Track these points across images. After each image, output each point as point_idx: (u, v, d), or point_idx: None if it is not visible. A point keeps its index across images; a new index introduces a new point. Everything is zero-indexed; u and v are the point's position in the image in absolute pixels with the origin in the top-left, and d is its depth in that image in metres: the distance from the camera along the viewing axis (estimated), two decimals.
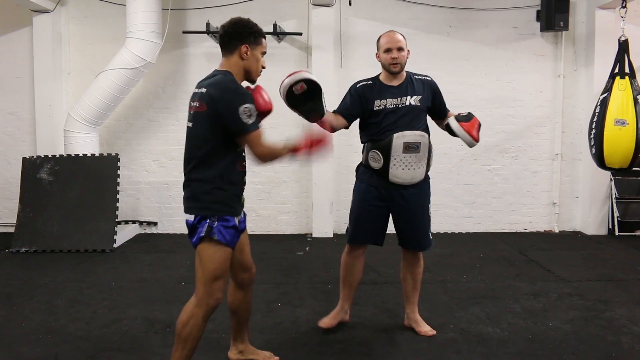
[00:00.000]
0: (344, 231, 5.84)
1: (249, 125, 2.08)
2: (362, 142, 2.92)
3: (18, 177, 5.30)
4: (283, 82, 2.47)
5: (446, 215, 5.91)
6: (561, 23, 5.45)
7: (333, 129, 2.79)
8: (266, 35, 2.30)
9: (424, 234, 2.92)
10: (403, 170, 2.76)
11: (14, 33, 5.79)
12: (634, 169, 4.36)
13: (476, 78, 5.83)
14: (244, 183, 2.28)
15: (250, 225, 6.32)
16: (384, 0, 5.75)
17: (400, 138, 2.72)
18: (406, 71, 2.88)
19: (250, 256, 2.47)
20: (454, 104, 5.79)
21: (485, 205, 5.93)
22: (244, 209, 2.37)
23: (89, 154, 5.23)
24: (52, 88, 5.66)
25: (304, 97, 2.48)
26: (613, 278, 4.07)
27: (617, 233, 5.60)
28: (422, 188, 2.88)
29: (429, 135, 2.86)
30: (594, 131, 4.29)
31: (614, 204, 5.65)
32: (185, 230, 2.24)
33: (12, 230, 5.20)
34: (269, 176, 5.85)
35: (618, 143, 4.11)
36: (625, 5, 4.36)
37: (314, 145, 2.17)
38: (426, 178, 2.92)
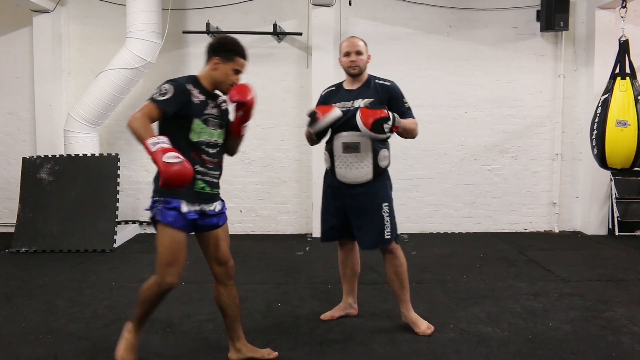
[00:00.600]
0: None
1: (150, 97, 2.27)
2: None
3: (18, 177, 5.30)
4: (323, 119, 2.76)
5: (446, 215, 5.91)
6: (561, 23, 5.45)
7: (315, 142, 3.00)
8: (246, 57, 2.45)
9: (377, 232, 2.87)
10: (346, 170, 2.84)
11: (14, 33, 5.80)
12: (635, 169, 4.37)
13: (476, 78, 5.83)
14: (199, 172, 2.33)
15: (250, 225, 6.35)
16: (384, 0, 5.75)
17: (339, 138, 2.84)
18: (370, 75, 2.97)
19: (226, 251, 2.52)
20: (454, 104, 5.85)
21: (485, 205, 5.93)
22: (223, 205, 2.53)
23: (89, 154, 5.23)
24: (52, 88, 5.66)
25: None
26: (613, 278, 4.07)
27: (617, 233, 5.60)
28: (373, 187, 2.87)
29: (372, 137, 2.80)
30: (595, 132, 4.29)
31: (614, 204, 5.65)
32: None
33: (12, 230, 5.20)
34: (269, 176, 5.85)
35: (620, 144, 4.12)
36: (625, 5, 4.36)
37: (156, 155, 2.09)
38: (381, 178, 2.89)
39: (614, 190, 5.67)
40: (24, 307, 3.42)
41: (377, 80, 2.94)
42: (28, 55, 5.73)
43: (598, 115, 4.29)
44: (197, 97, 2.35)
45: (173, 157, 2.05)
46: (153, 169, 2.23)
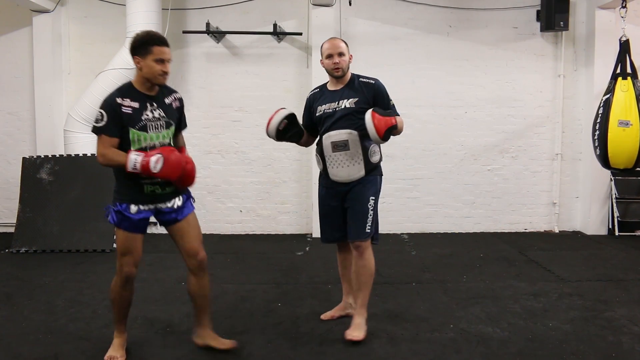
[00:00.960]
0: None
1: (92, 127, 2.44)
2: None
3: (18, 177, 5.30)
4: (268, 128, 2.87)
5: (446, 215, 5.91)
6: (561, 23, 5.45)
7: (308, 144, 3.11)
8: (162, 43, 2.43)
9: (357, 223, 2.86)
10: (338, 169, 2.85)
11: (14, 33, 5.80)
12: (638, 169, 4.36)
13: (476, 78, 5.83)
14: (144, 179, 2.44)
15: (250, 225, 6.35)
16: (384, 0, 5.75)
17: (327, 138, 2.86)
18: (353, 74, 2.96)
19: (193, 244, 2.62)
20: (454, 104, 5.85)
21: (485, 205, 5.93)
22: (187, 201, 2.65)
23: (89, 154, 5.23)
24: (52, 88, 5.66)
25: (287, 128, 2.90)
26: (613, 278, 4.07)
27: (617, 233, 5.60)
28: (363, 182, 2.87)
29: (362, 134, 2.81)
30: (597, 132, 4.28)
31: (614, 204, 5.65)
32: None
33: (12, 230, 5.20)
34: (269, 176, 5.85)
35: (623, 144, 4.12)
36: (625, 5, 4.36)
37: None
38: (373, 173, 2.91)
39: (614, 190, 5.67)
40: (24, 307, 3.42)
41: (360, 79, 2.94)
42: (28, 55, 5.73)
43: (600, 115, 4.28)
44: (129, 106, 2.39)
45: (154, 161, 2.29)
46: None
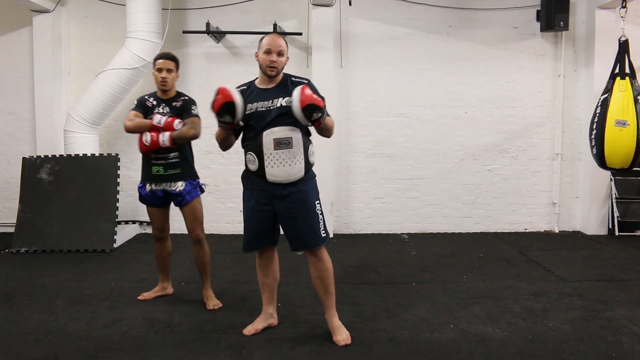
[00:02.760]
0: (344, 231, 5.87)
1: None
2: (242, 147, 2.90)
3: (18, 177, 5.30)
4: (234, 102, 2.67)
5: (446, 215, 5.92)
6: (561, 23, 5.45)
7: (230, 144, 2.97)
8: (162, 57, 3.32)
9: (311, 231, 2.81)
10: (278, 168, 2.71)
11: (14, 33, 5.80)
12: (634, 169, 4.36)
13: (476, 78, 5.83)
14: (153, 157, 3.30)
15: None
16: (384, 0, 5.75)
17: (269, 135, 2.70)
18: (285, 73, 2.85)
19: (190, 224, 3.41)
20: (454, 104, 5.85)
21: (485, 205, 5.93)
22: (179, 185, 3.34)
23: (89, 154, 5.23)
24: (52, 88, 5.66)
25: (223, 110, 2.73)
26: (613, 278, 4.07)
27: (617, 233, 5.60)
28: (304, 185, 2.79)
29: (303, 132, 2.76)
30: (594, 132, 4.29)
31: (614, 204, 5.65)
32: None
33: (12, 230, 5.20)
34: None
35: (619, 144, 4.12)
36: (625, 5, 4.36)
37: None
38: (309, 175, 2.83)
39: (614, 190, 5.67)
40: (24, 307, 3.42)
41: (292, 78, 2.85)
42: (28, 55, 5.73)
43: (597, 115, 4.29)
44: (150, 102, 3.35)
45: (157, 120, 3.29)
46: None
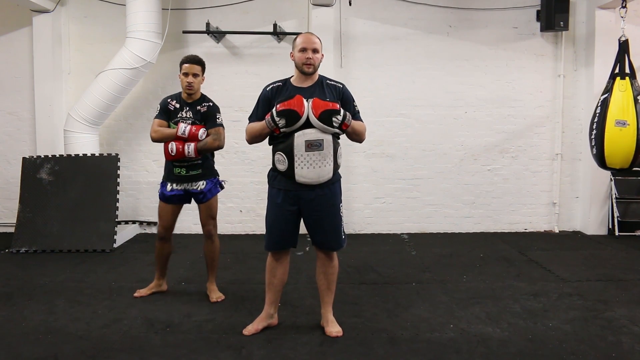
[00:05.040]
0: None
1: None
2: (269, 145, 2.90)
3: (18, 177, 5.30)
4: (314, 115, 2.68)
5: (446, 215, 5.92)
6: (561, 23, 5.45)
7: (259, 140, 2.90)
8: (189, 60, 3.41)
9: (336, 234, 2.87)
10: (308, 170, 2.71)
11: (14, 33, 5.79)
12: (634, 169, 4.36)
13: (476, 78, 5.83)
14: (175, 160, 3.38)
15: (250, 225, 6.34)
16: (384, 0, 5.75)
17: (301, 137, 2.69)
18: (320, 75, 2.88)
19: (204, 218, 3.51)
20: (454, 104, 5.85)
21: (485, 205, 5.93)
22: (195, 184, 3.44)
23: (89, 154, 5.23)
24: (52, 88, 5.66)
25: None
26: (613, 278, 4.07)
27: (617, 233, 5.60)
28: (330, 188, 2.83)
29: (334, 134, 2.78)
30: (594, 132, 4.28)
31: (614, 204, 5.65)
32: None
33: (12, 230, 5.20)
34: None
35: (619, 144, 4.11)
36: (625, 5, 4.35)
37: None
38: (336, 177, 2.86)
39: (614, 190, 5.68)
40: (24, 307, 3.42)
41: (328, 81, 2.87)
42: (28, 55, 5.73)
43: (597, 115, 4.28)
44: (173, 105, 3.40)
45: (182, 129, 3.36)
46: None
